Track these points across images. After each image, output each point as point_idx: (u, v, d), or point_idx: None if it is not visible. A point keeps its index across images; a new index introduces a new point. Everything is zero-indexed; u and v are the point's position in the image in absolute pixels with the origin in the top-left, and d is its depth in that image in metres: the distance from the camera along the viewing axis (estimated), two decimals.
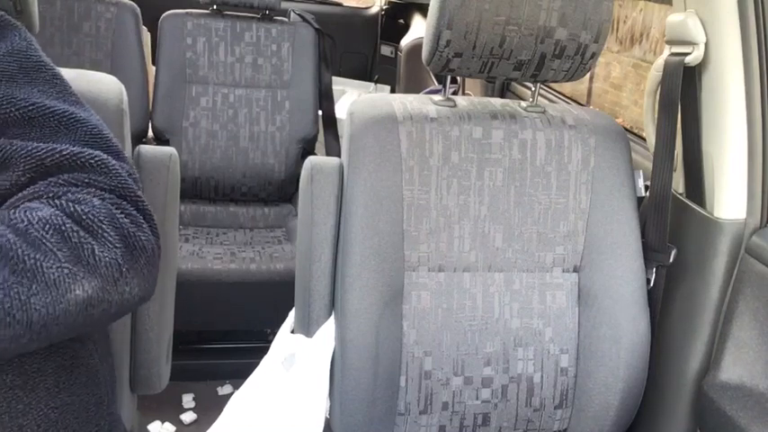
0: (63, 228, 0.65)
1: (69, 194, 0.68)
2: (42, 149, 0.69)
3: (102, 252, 0.66)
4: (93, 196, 0.69)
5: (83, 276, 0.64)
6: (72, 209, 0.66)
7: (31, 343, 0.63)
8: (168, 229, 1.04)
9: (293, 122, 2.28)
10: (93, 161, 0.71)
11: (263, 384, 1.15)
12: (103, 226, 0.67)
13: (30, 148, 0.69)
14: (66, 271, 0.63)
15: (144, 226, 0.71)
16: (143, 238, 0.70)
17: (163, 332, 1.08)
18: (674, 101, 1.11)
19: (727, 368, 1.07)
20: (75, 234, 0.65)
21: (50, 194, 0.68)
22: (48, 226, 0.64)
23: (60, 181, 0.69)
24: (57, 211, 0.66)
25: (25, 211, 0.65)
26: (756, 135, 1.08)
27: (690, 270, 1.15)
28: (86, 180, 0.70)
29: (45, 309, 0.62)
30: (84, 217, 0.66)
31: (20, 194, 0.68)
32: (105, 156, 0.72)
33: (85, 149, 0.71)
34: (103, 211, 0.68)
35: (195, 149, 2.23)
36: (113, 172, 0.72)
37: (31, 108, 0.71)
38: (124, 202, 0.71)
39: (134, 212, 0.71)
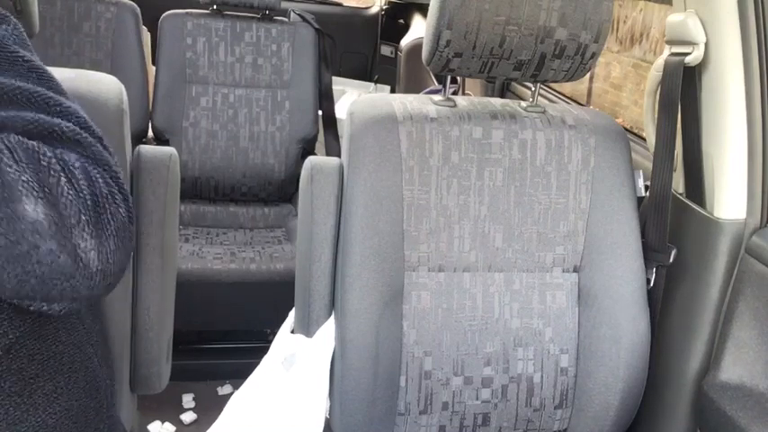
0: (37, 150, 0.62)
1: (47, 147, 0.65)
2: (7, 117, 0.66)
3: (67, 187, 0.62)
4: (72, 153, 0.66)
5: (38, 196, 0.60)
6: (51, 151, 0.63)
7: None
8: (168, 229, 1.04)
9: (293, 122, 2.28)
10: (67, 131, 0.68)
11: (263, 384, 1.15)
12: (76, 172, 0.64)
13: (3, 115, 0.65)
14: (24, 179, 0.60)
15: (118, 197, 0.68)
16: (114, 206, 0.67)
17: (163, 332, 1.08)
18: (674, 101, 1.11)
19: (727, 368, 1.07)
20: (46, 159, 0.62)
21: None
22: (22, 143, 0.61)
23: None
24: (35, 142, 0.63)
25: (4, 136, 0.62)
26: (756, 135, 1.08)
27: (690, 270, 1.15)
28: (60, 147, 0.67)
29: None
30: (60, 158, 0.64)
31: None
32: (78, 129, 0.69)
33: (58, 120, 0.68)
34: (78, 164, 0.65)
35: (195, 149, 2.23)
36: (88, 143, 0.69)
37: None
38: (102, 170, 0.68)
39: (110, 181, 0.68)
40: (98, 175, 0.67)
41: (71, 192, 0.63)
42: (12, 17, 0.76)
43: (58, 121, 0.68)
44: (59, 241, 0.62)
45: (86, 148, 0.68)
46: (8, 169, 0.59)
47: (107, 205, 0.66)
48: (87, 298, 0.69)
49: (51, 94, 0.71)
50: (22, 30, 0.76)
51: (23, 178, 0.60)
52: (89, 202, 0.64)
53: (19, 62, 0.72)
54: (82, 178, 0.65)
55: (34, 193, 0.60)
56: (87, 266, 0.65)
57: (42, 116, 0.67)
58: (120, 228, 0.67)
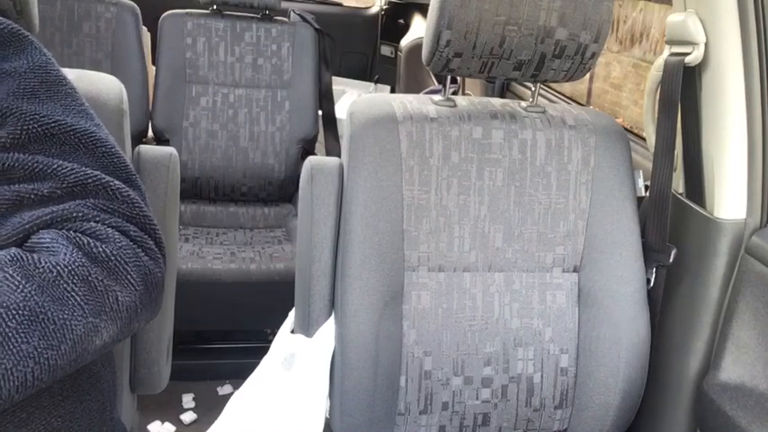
0: (89, 278, 0.66)
1: (94, 225, 0.69)
2: (68, 168, 0.71)
3: (124, 297, 0.68)
4: (117, 230, 0.71)
5: (104, 327, 0.66)
6: (97, 249, 0.68)
7: (46, 384, 0.64)
8: (168, 229, 1.04)
9: (293, 122, 2.28)
10: (116, 190, 0.72)
11: (263, 384, 1.15)
12: (128, 268, 0.69)
13: (55, 165, 0.70)
14: (90, 326, 0.65)
15: (160, 260, 0.73)
16: (159, 274, 0.72)
17: (163, 332, 1.08)
18: (674, 101, 1.11)
19: (727, 368, 1.07)
20: (100, 283, 0.66)
21: (77, 217, 0.69)
22: (75, 277, 0.65)
23: (88, 204, 0.70)
24: (80, 255, 0.66)
25: (50, 256, 0.65)
26: (756, 135, 1.08)
27: (690, 270, 1.15)
28: (110, 207, 0.72)
29: (68, 364, 0.64)
30: (109, 259, 0.68)
31: (44, 211, 0.69)
32: (125, 186, 0.74)
33: (108, 177, 0.73)
34: (128, 251, 0.70)
35: (195, 149, 2.23)
36: (134, 202, 0.74)
37: (53, 125, 0.72)
38: (144, 235, 0.73)
39: (152, 246, 0.73)
40: (143, 253, 0.71)
41: (127, 298, 0.68)
42: (34, 39, 0.78)
43: (110, 180, 0.73)
44: (121, 338, 0.70)
45: (133, 209, 0.73)
46: (79, 325, 0.64)
47: (153, 279, 0.72)
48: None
49: (97, 132, 0.76)
50: (50, 54, 0.79)
51: (90, 324, 0.65)
52: (141, 290, 0.70)
53: (62, 84, 0.77)
54: (133, 273, 0.69)
55: (100, 327, 0.66)
56: (137, 329, 0.72)
57: (98, 173, 0.72)
58: (161, 289, 0.73)
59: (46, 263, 0.64)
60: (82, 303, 0.64)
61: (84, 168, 0.72)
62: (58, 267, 0.64)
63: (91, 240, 0.68)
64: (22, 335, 0.60)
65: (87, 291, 0.65)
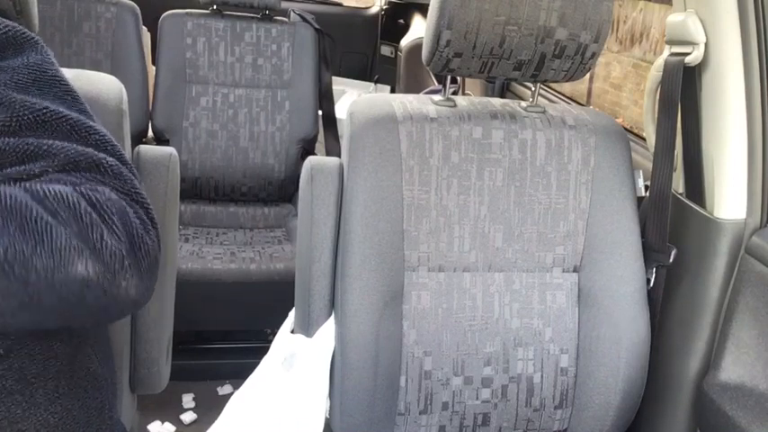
0: (77, 206, 0.65)
1: (88, 185, 0.69)
2: (59, 146, 0.70)
3: (109, 239, 0.66)
4: (111, 190, 0.70)
5: (87, 255, 0.64)
6: (89, 194, 0.67)
7: (22, 310, 0.62)
8: (168, 229, 1.04)
9: (293, 122, 2.28)
10: (108, 167, 0.72)
11: (263, 384, 1.15)
12: (114, 218, 0.68)
13: (46, 146, 0.70)
14: (73, 243, 0.64)
15: (152, 233, 0.72)
16: (149, 242, 0.71)
17: (163, 332, 1.08)
18: (674, 101, 1.11)
19: (727, 368, 1.07)
20: (87, 215, 0.66)
21: (70, 182, 0.69)
22: (63, 201, 0.65)
23: (81, 176, 0.70)
24: (74, 191, 0.66)
25: (42, 184, 0.65)
26: (756, 135, 1.08)
27: (690, 270, 1.15)
28: (103, 182, 0.71)
29: (44, 272, 0.62)
30: (98, 204, 0.67)
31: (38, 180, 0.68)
32: (119, 164, 0.73)
33: (101, 154, 0.72)
34: (117, 205, 0.69)
35: (195, 149, 2.23)
36: (127, 179, 0.73)
37: (44, 111, 0.72)
38: (137, 206, 0.72)
39: (144, 218, 0.72)
40: (134, 215, 0.71)
41: (113, 241, 0.67)
42: (39, 41, 0.78)
43: (103, 155, 0.72)
44: (106, 288, 0.67)
45: (125, 183, 0.72)
46: (59, 237, 0.63)
47: (142, 244, 0.70)
48: (115, 320, 0.76)
49: (89, 123, 0.75)
50: (51, 54, 0.79)
51: (73, 242, 0.64)
52: (128, 245, 0.68)
53: (57, 84, 0.76)
54: (120, 224, 0.68)
55: (84, 253, 0.64)
56: (125, 300, 0.69)
57: (90, 150, 0.72)
58: (153, 261, 0.72)
59: (36, 187, 0.64)
60: (64, 221, 0.64)
61: (75, 146, 0.71)
62: (46, 189, 0.64)
63: (83, 187, 0.68)
64: None
65: (72, 216, 0.64)
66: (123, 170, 0.73)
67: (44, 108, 0.72)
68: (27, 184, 0.65)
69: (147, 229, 0.71)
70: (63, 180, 0.68)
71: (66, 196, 0.65)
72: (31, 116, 0.71)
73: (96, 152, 0.72)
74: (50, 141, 0.70)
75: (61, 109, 0.73)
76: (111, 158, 0.72)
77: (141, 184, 0.77)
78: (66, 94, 0.77)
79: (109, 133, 0.77)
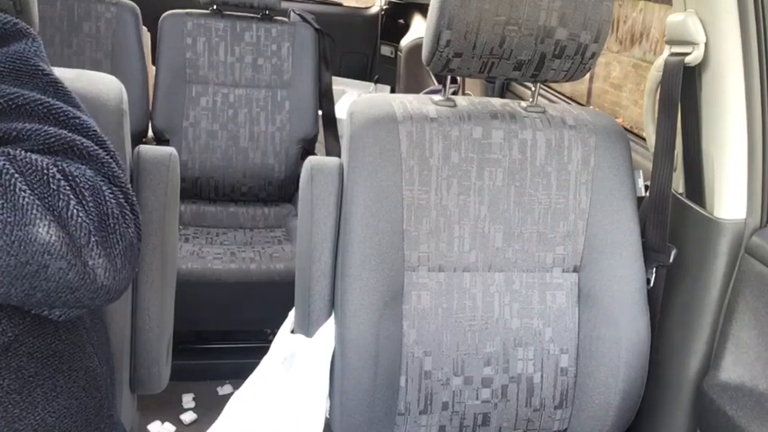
0: (46, 172, 0.63)
1: (63, 162, 0.67)
2: (31, 129, 0.67)
3: (76, 209, 0.64)
4: (88, 169, 0.68)
5: (51, 219, 0.62)
6: (62, 166, 0.65)
7: None
8: (168, 229, 1.04)
9: (293, 122, 2.28)
10: (83, 149, 0.69)
11: (263, 384, 1.15)
12: (86, 193, 0.66)
13: (16, 131, 0.67)
14: (36, 204, 0.61)
15: (128, 218, 0.70)
16: (124, 226, 0.68)
17: (163, 332, 1.08)
18: (674, 101, 1.11)
19: (727, 368, 1.07)
20: (56, 182, 0.63)
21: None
22: (32, 167, 0.62)
23: (54, 159, 0.67)
24: (47, 161, 0.64)
25: (12, 149, 0.63)
26: (756, 135, 1.08)
27: (690, 270, 1.15)
28: (79, 164, 0.69)
29: (2, 225, 0.59)
30: (71, 176, 0.65)
31: None
32: (95, 146, 0.71)
33: (74, 136, 0.69)
34: (92, 181, 0.67)
35: (195, 149, 2.23)
36: (105, 161, 0.71)
37: (17, 96, 0.69)
38: (115, 189, 0.70)
39: (123, 202, 0.70)
40: (110, 195, 0.68)
41: (81, 213, 0.64)
42: (32, 32, 0.77)
43: (78, 138, 0.70)
44: (69, 260, 0.64)
45: (103, 166, 0.70)
46: (22, 194, 0.61)
47: (117, 226, 0.68)
48: (89, 307, 0.71)
49: (69, 108, 0.72)
50: (41, 44, 0.77)
51: (36, 203, 0.61)
52: (98, 223, 0.66)
53: (39, 75, 0.74)
54: (91, 199, 0.66)
55: (46, 217, 0.62)
56: (93, 282, 0.67)
57: (63, 132, 0.69)
58: (128, 247, 0.69)
59: (10, 149, 0.63)
60: (32, 186, 0.61)
61: (47, 128, 0.68)
62: (19, 152, 0.62)
63: (58, 161, 0.66)
64: None
65: (40, 180, 0.62)
66: (100, 152, 0.70)
67: (17, 94, 0.69)
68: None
69: (123, 213, 0.69)
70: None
71: (38, 161, 0.63)
72: (3, 102, 0.68)
73: (70, 134, 0.69)
74: (21, 125, 0.68)
75: (35, 94, 0.70)
76: (86, 141, 0.70)
77: (121, 164, 0.74)
78: (49, 85, 0.74)
79: (91, 120, 0.75)
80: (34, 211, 0.61)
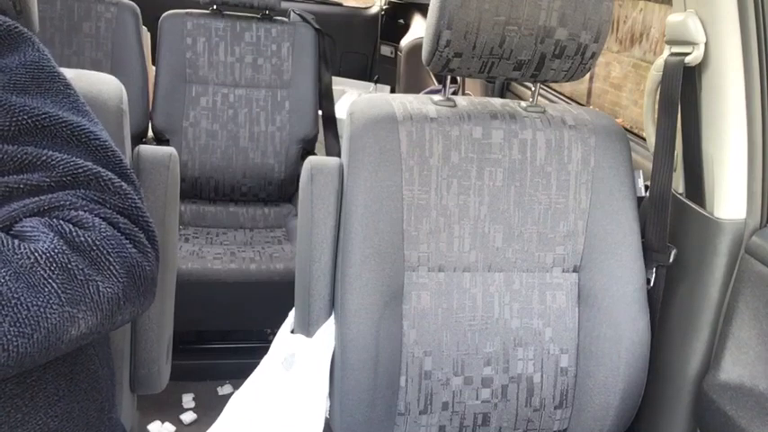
0: (69, 266, 0.64)
1: (81, 213, 0.68)
2: (58, 159, 0.69)
3: (105, 288, 0.66)
4: (105, 220, 0.69)
5: (82, 317, 0.64)
6: (80, 238, 0.66)
7: (10, 371, 0.63)
8: (168, 229, 1.04)
9: (293, 122, 2.28)
10: (107, 181, 0.71)
11: (263, 384, 1.15)
12: (110, 258, 0.67)
13: (45, 156, 0.69)
14: (67, 315, 0.63)
15: (150, 254, 0.72)
16: (147, 267, 0.71)
17: (163, 332, 1.08)
18: (674, 101, 1.11)
19: (727, 368, 1.07)
20: (80, 272, 0.65)
21: (64, 206, 0.68)
22: (54, 264, 0.63)
23: (78, 194, 0.69)
24: (62, 243, 0.65)
25: (30, 242, 0.64)
26: (756, 135, 1.08)
27: (690, 270, 1.15)
28: (101, 199, 0.70)
29: (39, 353, 0.62)
30: (92, 248, 0.66)
31: (32, 200, 0.68)
32: (118, 179, 0.73)
33: (101, 169, 0.72)
34: (113, 241, 0.68)
35: (195, 149, 2.23)
36: (126, 194, 0.72)
37: (43, 117, 0.71)
38: (135, 228, 0.71)
39: (142, 238, 0.71)
40: (130, 244, 0.70)
41: (109, 289, 0.66)
42: (33, 36, 0.77)
43: (103, 171, 0.71)
44: (101, 330, 0.67)
45: (125, 200, 0.72)
46: (54, 314, 0.62)
47: (141, 272, 0.70)
48: None
49: (91, 128, 0.74)
50: (46, 50, 0.78)
51: (66, 313, 0.63)
52: (126, 282, 0.68)
53: (56, 79, 0.75)
54: (117, 263, 0.67)
55: (77, 318, 0.64)
56: (121, 324, 0.70)
57: (89, 164, 0.71)
58: (150, 282, 0.72)
59: (24, 249, 0.63)
60: (59, 291, 0.63)
61: (74, 159, 0.70)
62: (36, 254, 0.63)
63: (74, 228, 0.66)
64: None
65: (66, 279, 0.63)
66: (123, 185, 0.72)
67: (43, 113, 0.71)
68: (12, 244, 0.63)
69: (144, 252, 0.71)
70: (61, 200, 0.68)
71: (56, 256, 0.64)
72: (29, 121, 0.70)
73: (95, 166, 0.71)
74: (49, 152, 0.69)
75: (61, 113, 0.72)
76: (110, 173, 0.72)
77: (140, 191, 0.76)
78: (67, 87, 0.76)
79: (109, 135, 0.77)
80: (65, 324, 0.63)
